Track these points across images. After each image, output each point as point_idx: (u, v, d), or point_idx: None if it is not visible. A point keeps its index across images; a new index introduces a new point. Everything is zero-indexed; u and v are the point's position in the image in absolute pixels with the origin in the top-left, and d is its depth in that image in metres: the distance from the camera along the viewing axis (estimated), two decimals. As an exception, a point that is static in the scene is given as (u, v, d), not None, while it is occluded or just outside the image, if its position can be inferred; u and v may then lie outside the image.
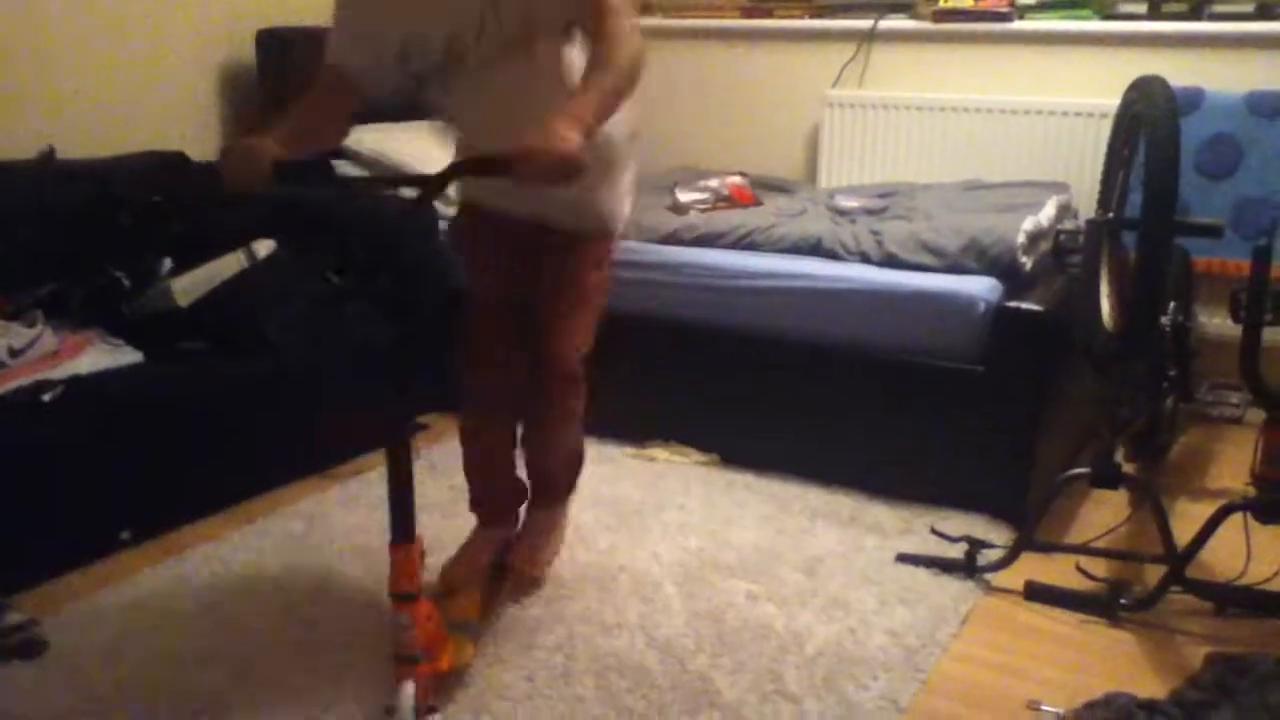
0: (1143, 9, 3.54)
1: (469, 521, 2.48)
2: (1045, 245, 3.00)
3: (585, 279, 2.26)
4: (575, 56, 2.04)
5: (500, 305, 2.30)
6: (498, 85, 2.05)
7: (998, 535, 2.63)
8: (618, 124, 2.08)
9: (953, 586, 2.44)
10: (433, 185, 1.86)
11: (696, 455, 3.13)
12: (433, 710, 1.83)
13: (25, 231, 2.79)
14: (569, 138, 1.71)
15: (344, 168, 3.52)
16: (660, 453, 3.15)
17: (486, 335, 2.31)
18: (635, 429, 3.18)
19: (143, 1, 3.31)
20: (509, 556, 2.38)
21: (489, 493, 2.46)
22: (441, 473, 2.94)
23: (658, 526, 2.73)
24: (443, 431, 3.28)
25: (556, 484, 2.49)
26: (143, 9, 3.32)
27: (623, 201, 2.30)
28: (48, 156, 3.04)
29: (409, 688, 1.76)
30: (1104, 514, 2.75)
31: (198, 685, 2.07)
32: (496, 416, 2.38)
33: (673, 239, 3.17)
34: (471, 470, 2.43)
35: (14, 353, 2.48)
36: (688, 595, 2.40)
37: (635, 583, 2.45)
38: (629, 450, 3.17)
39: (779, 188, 3.72)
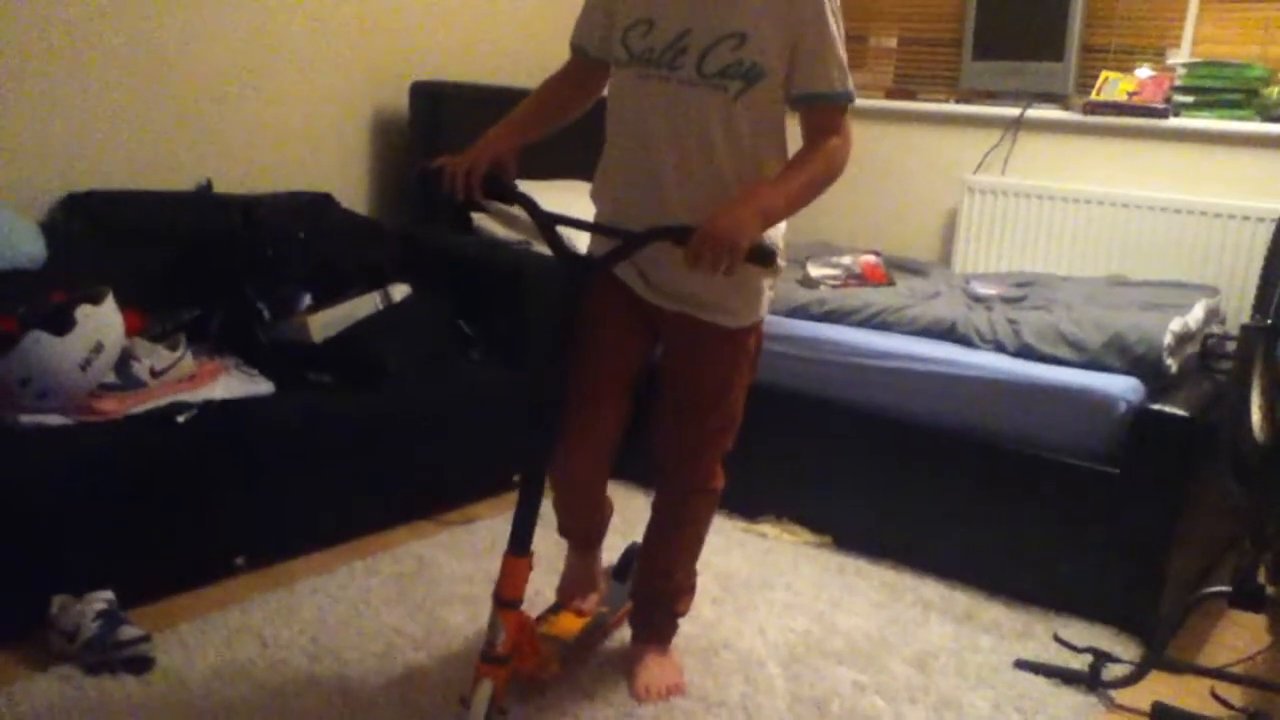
0: (1308, 112, 3.42)
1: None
2: (1191, 348, 2.88)
3: (735, 378, 2.12)
4: (775, 134, 1.99)
5: (604, 381, 2.10)
6: (684, 110, 1.91)
7: (1124, 649, 2.50)
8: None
9: (1073, 699, 2.32)
10: (621, 250, 1.92)
11: (808, 535, 3.06)
12: (503, 713, 1.94)
13: (177, 257, 2.91)
14: (750, 231, 1.76)
15: (485, 222, 3.59)
16: (771, 529, 3.09)
17: (584, 406, 2.08)
18: (747, 503, 3.12)
19: (303, 50, 3.46)
20: (631, 685, 2.26)
21: (578, 525, 2.36)
22: (553, 526, 2.92)
23: (764, 604, 2.66)
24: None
25: (667, 614, 2.32)
26: (303, 57, 3.46)
27: (766, 290, 2.12)
28: (205, 189, 3.17)
29: (487, 686, 1.90)
30: (1240, 637, 2.59)
31: (295, 711, 2.07)
32: (585, 467, 2.21)
33: (801, 313, 3.14)
34: (560, 505, 2.32)
35: (155, 373, 2.56)
36: (792, 678, 2.32)
37: (739, 660, 2.39)
38: (739, 524, 3.11)
39: (913, 269, 3.67)
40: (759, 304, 2.10)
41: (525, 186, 2.02)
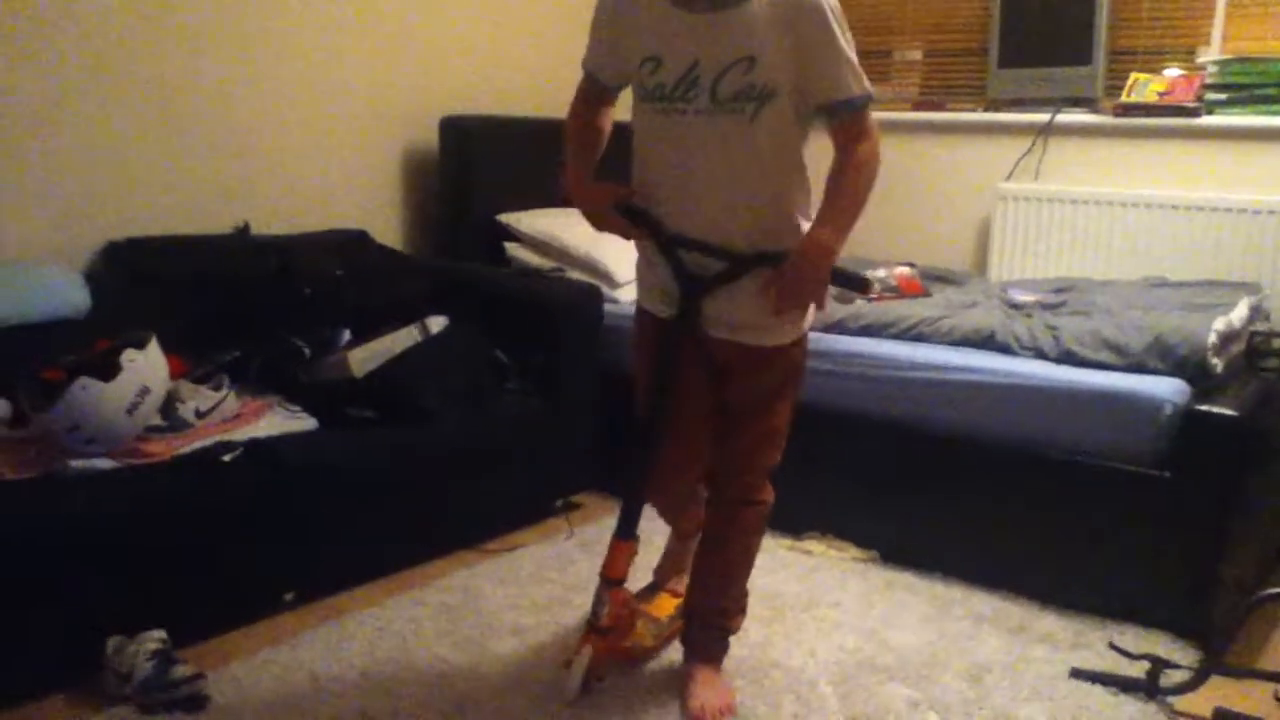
0: (1344, 104, 3.38)
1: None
2: (1236, 347, 2.83)
3: (782, 395, 2.18)
4: (792, 148, 2.02)
5: (690, 409, 2.15)
6: (705, 139, 1.97)
7: (1181, 655, 2.45)
8: None
9: (1132, 708, 2.28)
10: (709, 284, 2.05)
11: (854, 550, 3.04)
12: (600, 679, 2.24)
13: (217, 299, 2.95)
14: (830, 253, 1.94)
15: (518, 251, 3.62)
16: (817, 546, 3.07)
17: (669, 447, 2.17)
18: (792, 520, 3.09)
19: (333, 90, 3.51)
20: (684, 706, 2.24)
21: (673, 525, 2.57)
22: (596, 552, 2.92)
23: (813, 623, 2.64)
24: (595, 511, 3.27)
25: (719, 633, 2.33)
26: (334, 97, 3.51)
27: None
28: (242, 231, 3.22)
29: (588, 651, 2.18)
30: (1302, 640, 2.53)
31: (350, 751, 2.08)
32: (676, 498, 2.40)
33: (838, 328, 3.12)
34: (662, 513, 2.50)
35: (200, 414, 2.59)
36: (844, 697, 2.30)
37: (789, 680, 2.37)
38: (784, 541, 3.09)
39: (948, 279, 3.65)
40: (801, 320, 2.14)
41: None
